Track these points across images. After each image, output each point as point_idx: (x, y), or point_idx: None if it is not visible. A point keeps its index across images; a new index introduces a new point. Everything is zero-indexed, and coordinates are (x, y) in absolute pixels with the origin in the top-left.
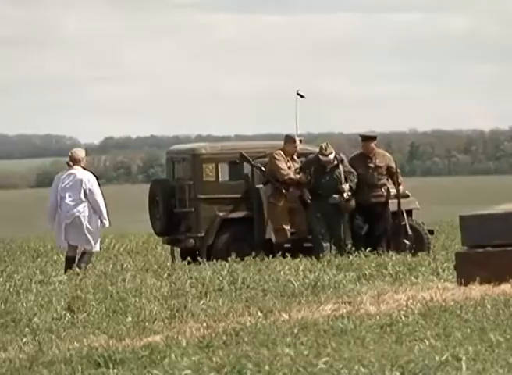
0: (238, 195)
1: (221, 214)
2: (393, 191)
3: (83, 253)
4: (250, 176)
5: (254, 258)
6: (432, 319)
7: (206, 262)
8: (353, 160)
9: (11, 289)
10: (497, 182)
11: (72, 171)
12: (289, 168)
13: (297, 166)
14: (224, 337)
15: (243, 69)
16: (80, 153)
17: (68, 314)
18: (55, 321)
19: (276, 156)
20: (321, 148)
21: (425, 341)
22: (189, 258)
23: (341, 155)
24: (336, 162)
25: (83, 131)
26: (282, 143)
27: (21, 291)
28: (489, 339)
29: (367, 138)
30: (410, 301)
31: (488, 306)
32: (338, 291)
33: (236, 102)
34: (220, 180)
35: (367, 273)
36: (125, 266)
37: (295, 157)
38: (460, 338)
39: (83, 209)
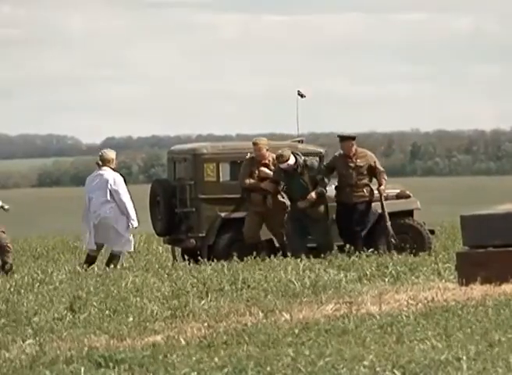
0: (239, 195)
1: (222, 214)
2: (393, 192)
3: (111, 255)
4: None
5: (254, 258)
6: (433, 320)
7: (207, 262)
8: (335, 160)
9: (12, 289)
10: (498, 182)
11: (100, 172)
12: (251, 174)
13: (267, 172)
14: (225, 337)
15: (245, 68)
16: (111, 154)
17: (69, 314)
18: (56, 321)
19: (243, 163)
20: (277, 156)
21: (426, 341)
22: (190, 259)
23: (308, 159)
24: (297, 167)
25: (84, 131)
26: (283, 143)
27: (22, 290)
28: (490, 339)
29: (344, 138)
30: (411, 301)
31: (490, 306)
32: (339, 291)
33: (237, 102)
34: (221, 180)
35: (368, 273)
36: (126, 265)
37: (268, 162)
38: (461, 338)
39: (110, 210)
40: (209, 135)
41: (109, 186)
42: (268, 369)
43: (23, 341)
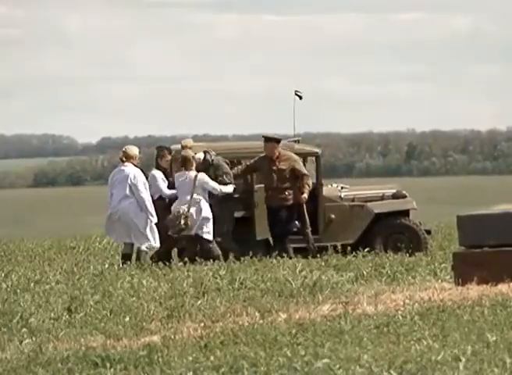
0: (236, 195)
1: None
2: (389, 192)
3: (138, 251)
4: (249, 176)
5: (251, 258)
6: (429, 320)
7: (204, 262)
8: (258, 161)
9: (8, 289)
10: (494, 182)
11: (122, 167)
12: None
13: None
14: (222, 337)
15: (243, 69)
16: (134, 150)
17: (65, 314)
18: (53, 321)
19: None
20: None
21: (423, 341)
22: (186, 259)
23: (215, 159)
24: (206, 163)
25: (80, 131)
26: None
27: (18, 290)
28: (487, 339)
29: (268, 140)
30: (408, 301)
31: (486, 306)
32: (335, 291)
33: (234, 102)
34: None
35: (364, 273)
36: (122, 265)
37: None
38: (458, 338)
39: (128, 205)
40: (205, 135)
41: (129, 181)
42: (265, 369)
43: (20, 341)
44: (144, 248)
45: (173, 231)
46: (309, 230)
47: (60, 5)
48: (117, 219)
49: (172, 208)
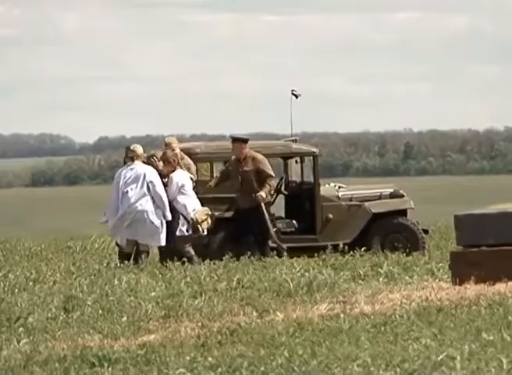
0: (233, 195)
1: (216, 213)
2: (386, 192)
3: (141, 251)
4: None
5: (249, 257)
6: (426, 319)
7: (201, 262)
8: (230, 164)
9: (5, 288)
10: (492, 182)
11: (133, 166)
12: None
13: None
14: (219, 337)
15: (242, 68)
16: (141, 149)
17: (63, 313)
18: (50, 320)
19: None
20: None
21: (420, 340)
22: (184, 258)
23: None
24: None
25: (77, 131)
26: (277, 143)
27: (16, 290)
28: (484, 339)
29: (235, 140)
30: (405, 300)
31: (483, 306)
32: (333, 290)
33: (231, 102)
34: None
35: (362, 272)
36: (120, 265)
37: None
38: (455, 338)
39: (145, 204)
40: (203, 135)
41: (146, 178)
42: (262, 368)
43: (18, 341)
44: (154, 245)
45: (203, 231)
46: (272, 231)
47: (60, 5)
48: (131, 218)
49: (200, 208)
